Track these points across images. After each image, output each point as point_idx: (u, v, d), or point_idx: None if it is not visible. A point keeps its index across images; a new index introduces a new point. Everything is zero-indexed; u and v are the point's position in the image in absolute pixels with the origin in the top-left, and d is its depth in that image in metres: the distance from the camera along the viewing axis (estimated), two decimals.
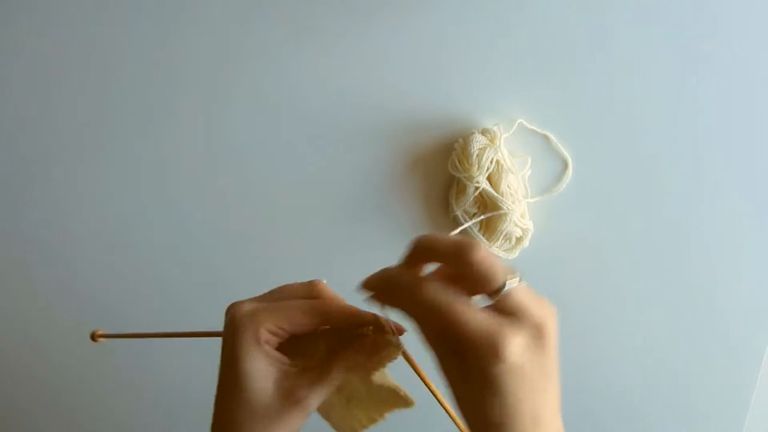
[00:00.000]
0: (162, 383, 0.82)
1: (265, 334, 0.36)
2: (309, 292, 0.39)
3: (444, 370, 0.32)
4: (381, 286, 0.34)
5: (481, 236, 0.65)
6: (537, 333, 0.30)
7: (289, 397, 0.36)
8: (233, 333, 0.36)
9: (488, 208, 0.65)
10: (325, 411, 0.42)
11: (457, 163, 0.63)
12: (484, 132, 0.63)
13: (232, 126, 0.69)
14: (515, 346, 0.29)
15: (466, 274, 0.31)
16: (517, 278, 0.31)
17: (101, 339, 0.44)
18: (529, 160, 0.65)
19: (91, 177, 0.73)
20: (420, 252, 0.33)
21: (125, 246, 0.76)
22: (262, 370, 0.36)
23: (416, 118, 0.66)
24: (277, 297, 0.39)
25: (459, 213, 0.65)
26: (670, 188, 0.65)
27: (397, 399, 0.40)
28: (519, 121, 0.64)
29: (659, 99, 0.63)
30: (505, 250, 0.66)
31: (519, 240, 0.66)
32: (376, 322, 0.37)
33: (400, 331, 0.37)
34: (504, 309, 0.31)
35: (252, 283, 0.73)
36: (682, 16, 0.61)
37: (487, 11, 0.63)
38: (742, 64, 0.61)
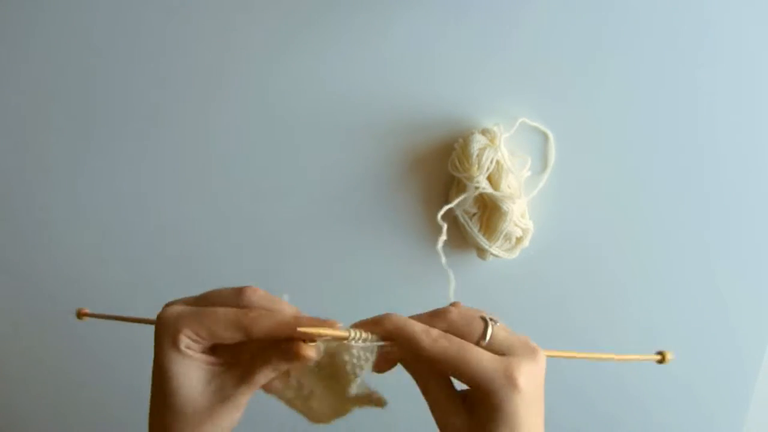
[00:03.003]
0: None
1: (185, 340, 0.36)
2: (236, 301, 0.37)
3: (445, 412, 0.35)
4: (395, 333, 0.36)
5: (481, 236, 0.65)
6: (533, 357, 0.35)
7: (217, 395, 0.36)
8: (156, 335, 0.36)
9: (488, 208, 0.64)
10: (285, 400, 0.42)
11: (457, 163, 0.63)
12: (484, 132, 0.63)
13: (229, 127, 0.69)
14: (525, 374, 0.33)
15: (451, 330, 0.35)
16: (493, 320, 0.36)
17: (86, 317, 0.45)
18: (529, 160, 0.65)
19: (91, 178, 0.73)
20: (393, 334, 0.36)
21: (126, 246, 0.76)
22: (185, 371, 0.36)
23: (416, 117, 0.66)
24: (205, 302, 0.38)
25: (459, 213, 0.65)
26: (672, 187, 0.65)
27: (367, 400, 0.40)
28: (521, 120, 0.64)
29: (662, 97, 0.63)
30: (505, 250, 0.66)
31: (519, 240, 0.66)
32: (300, 337, 0.35)
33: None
34: (496, 350, 0.35)
35: (249, 282, 0.74)
36: (685, 16, 0.61)
37: (487, 10, 0.63)
38: (744, 65, 0.61)
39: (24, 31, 0.69)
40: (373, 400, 0.40)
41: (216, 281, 0.74)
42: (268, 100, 0.68)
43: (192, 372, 0.36)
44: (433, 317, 0.36)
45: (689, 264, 0.68)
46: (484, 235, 0.65)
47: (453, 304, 0.38)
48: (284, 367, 0.37)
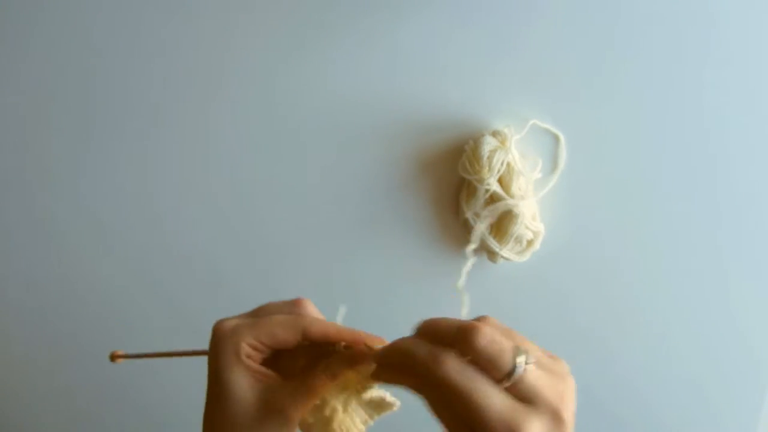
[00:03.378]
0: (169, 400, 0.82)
1: (245, 349, 0.38)
2: (291, 309, 0.40)
3: None
4: (398, 361, 0.34)
5: (492, 239, 0.64)
6: (554, 418, 0.30)
7: (270, 407, 0.37)
8: (215, 347, 0.38)
9: (498, 210, 0.64)
10: (306, 428, 0.42)
11: (468, 165, 0.63)
12: (494, 134, 0.63)
13: (236, 129, 0.69)
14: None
15: (473, 359, 0.30)
16: (526, 358, 0.30)
17: (120, 360, 0.44)
18: (540, 162, 0.65)
19: (92, 178, 0.73)
20: (423, 336, 0.33)
21: (133, 261, 0.76)
22: (244, 382, 0.37)
23: (426, 119, 0.66)
24: (260, 313, 0.40)
25: (469, 215, 0.65)
26: (682, 188, 0.65)
27: (381, 406, 0.41)
28: (532, 121, 0.63)
29: (672, 98, 0.62)
30: (516, 253, 0.65)
31: (530, 242, 0.65)
32: (353, 341, 0.39)
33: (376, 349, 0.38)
34: (518, 394, 0.30)
35: (260, 287, 0.74)
36: (696, 17, 0.60)
37: (498, 11, 0.62)
38: (756, 66, 0.61)
39: (25, 31, 0.68)
40: (386, 404, 0.41)
41: (220, 281, 0.75)
42: (275, 101, 0.67)
43: (249, 383, 0.38)
44: (460, 340, 0.31)
45: (700, 265, 0.67)
46: (494, 237, 0.65)
47: (483, 319, 0.33)
48: (343, 370, 0.38)
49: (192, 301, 0.76)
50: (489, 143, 0.62)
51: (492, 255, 0.66)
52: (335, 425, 0.40)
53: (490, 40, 0.63)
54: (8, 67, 0.70)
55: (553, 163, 0.65)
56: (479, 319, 0.33)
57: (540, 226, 0.65)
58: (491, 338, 0.30)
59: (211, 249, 0.74)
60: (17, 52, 0.70)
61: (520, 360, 0.30)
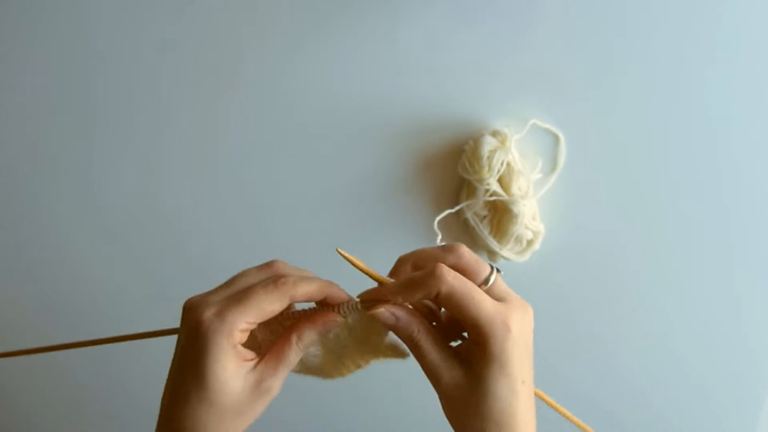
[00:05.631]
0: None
1: (238, 336, 0.35)
2: (268, 273, 0.38)
3: (442, 368, 0.36)
4: (417, 258, 0.38)
5: (491, 239, 0.64)
6: (524, 310, 0.37)
7: (257, 389, 0.36)
8: (203, 338, 0.35)
9: (499, 210, 0.64)
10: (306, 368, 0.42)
11: (468, 165, 0.63)
12: (494, 134, 0.63)
13: (238, 129, 0.69)
14: (517, 321, 0.35)
15: (459, 269, 0.37)
16: (498, 270, 0.38)
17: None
18: (540, 161, 0.65)
19: (99, 179, 0.74)
20: (417, 261, 0.39)
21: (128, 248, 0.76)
22: (234, 372, 0.35)
23: (426, 119, 0.66)
24: (237, 285, 0.38)
25: (469, 215, 0.65)
26: (683, 188, 0.65)
27: (390, 350, 0.41)
28: (532, 121, 0.63)
29: (674, 98, 0.62)
30: (516, 253, 0.65)
31: (530, 243, 0.65)
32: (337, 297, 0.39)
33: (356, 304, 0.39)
34: (495, 296, 0.37)
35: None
36: (699, 18, 0.60)
37: (498, 11, 0.62)
38: (760, 67, 0.61)
39: (31, 32, 0.69)
40: (399, 351, 0.41)
41: (222, 280, 0.74)
42: (276, 101, 0.68)
43: (239, 370, 0.36)
44: (447, 252, 0.38)
45: (700, 265, 0.67)
46: (494, 237, 0.65)
47: (454, 244, 0.39)
48: (312, 338, 0.38)
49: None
50: (489, 143, 0.62)
51: (492, 255, 0.66)
52: (345, 360, 0.41)
53: (490, 41, 0.63)
54: (13, 67, 0.71)
55: (552, 163, 0.65)
56: (451, 244, 0.39)
57: (540, 226, 0.65)
58: (469, 252, 0.38)
59: (213, 248, 0.74)
60: (24, 53, 0.70)
61: (493, 269, 0.38)
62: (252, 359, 0.37)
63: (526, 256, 0.66)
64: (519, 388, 0.36)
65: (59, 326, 0.82)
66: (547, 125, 0.64)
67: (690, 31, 0.60)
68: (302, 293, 0.37)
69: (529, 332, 0.37)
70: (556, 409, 0.43)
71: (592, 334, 0.71)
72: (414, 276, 0.36)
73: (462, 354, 0.38)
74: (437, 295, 0.35)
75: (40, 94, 0.71)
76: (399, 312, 0.37)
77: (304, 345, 0.38)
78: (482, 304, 0.35)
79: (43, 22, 0.69)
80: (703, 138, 0.63)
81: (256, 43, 0.66)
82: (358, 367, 0.42)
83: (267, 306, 0.36)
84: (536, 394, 0.39)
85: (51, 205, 0.76)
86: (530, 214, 0.64)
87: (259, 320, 0.36)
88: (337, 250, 0.40)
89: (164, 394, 0.38)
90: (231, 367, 0.35)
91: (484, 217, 0.65)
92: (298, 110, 0.68)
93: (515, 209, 0.62)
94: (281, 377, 0.38)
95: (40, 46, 0.70)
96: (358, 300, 0.39)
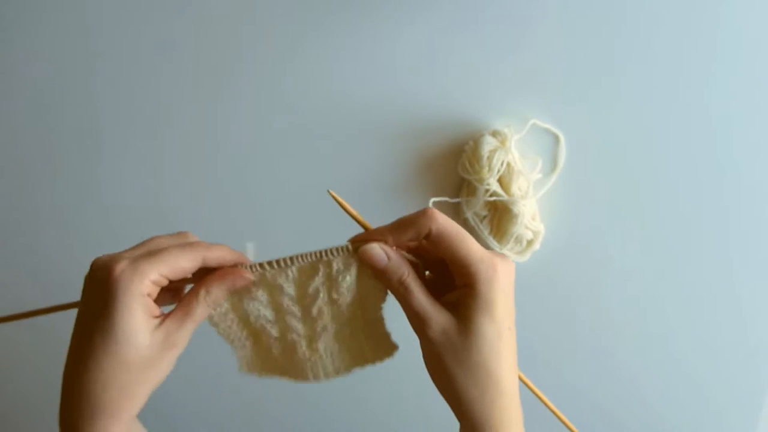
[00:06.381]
0: None
1: (149, 286, 0.35)
2: (179, 239, 0.39)
3: (428, 314, 0.37)
4: (403, 227, 0.38)
5: (491, 239, 0.64)
6: (507, 260, 0.38)
7: (164, 344, 0.36)
8: (114, 285, 0.35)
9: (499, 210, 0.64)
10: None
11: (468, 165, 0.63)
12: (494, 134, 0.63)
13: (238, 129, 0.69)
14: (502, 266, 0.37)
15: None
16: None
17: None
18: (540, 161, 0.65)
19: (101, 179, 0.74)
20: (397, 226, 0.39)
21: None
22: (141, 324, 0.35)
23: (426, 119, 0.66)
24: (151, 247, 0.38)
25: (469, 215, 0.65)
26: (682, 189, 0.65)
27: (384, 346, 0.42)
28: (532, 121, 0.63)
29: (673, 98, 0.62)
30: (516, 253, 0.65)
31: (530, 242, 0.65)
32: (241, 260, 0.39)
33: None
34: None
35: None
36: (699, 20, 0.60)
37: (498, 11, 0.62)
38: (760, 68, 0.61)
39: (33, 32, 0.69)
40: (389, 343, 0.41)
41: None
42: (277, 101, 0.68)
43: (147, 323, 0.36)
44: (421, 215, 0.38)
45: (700, 265, 0.67)
46: (494, 237, 0.65)
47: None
48: (221, 294, 0.38)
49: None
50: (489, 143, 0.62)
51: None
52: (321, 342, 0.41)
53: (490, 41, 0.63)
54: (13, 67, 0.71)
55: (552, 163, 0.65)
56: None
57: (540, 226, 0.65)
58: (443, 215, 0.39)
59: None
60: (24, 53, 0.70)
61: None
62: (159, 316, 0.37)
63: (526, 256, 0.66)
64: (505, 333, 0.37)
65: (60, 326, 0.82)
66: (547, 125, 0.64)
67: (690, 31, 0.60)
68: (215, 256, 0.38)
69: (511, 281, 0.38)
70: (533, 392, 0.44)
71: (592, 334, 0.71)
72: (405, 216, 0.38)
73: (448, 302, 0.38)
74: (428, 234, 0.37)
75: (41, 94, 0.71)
76: (391, 252, 0.38)
77: (212, 300, 0.38)
78: (472, 245, 0.37)
79: (43, 22, 0.69)
80: (703, 138, 0.63)
81: (256, 43, 0.66)
82: (349, 365, 0.42)
83: (180, 262, 0.36)
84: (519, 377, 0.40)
85: (51, 205, 0.76)
86: (530, 214, 0.64)
87: (171, 276, 0.36)
88: (328, 191, 0.42)
89: (67, 359, 0.37)
90: (139, 318, 0.35)
91: (484, 217, 0.65)
92: (298, 110, 0.68)
93: (515, 209, 0.62)
94: (188, 331, 0.38)
95: (40, 47, 0.70)
96: (348, 242, 0.40)
